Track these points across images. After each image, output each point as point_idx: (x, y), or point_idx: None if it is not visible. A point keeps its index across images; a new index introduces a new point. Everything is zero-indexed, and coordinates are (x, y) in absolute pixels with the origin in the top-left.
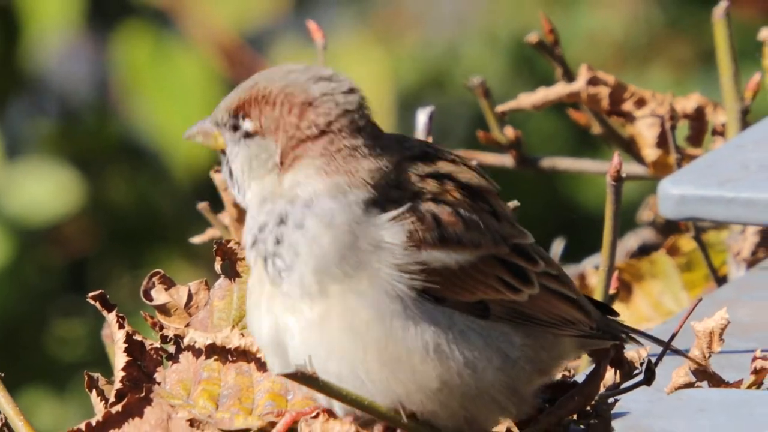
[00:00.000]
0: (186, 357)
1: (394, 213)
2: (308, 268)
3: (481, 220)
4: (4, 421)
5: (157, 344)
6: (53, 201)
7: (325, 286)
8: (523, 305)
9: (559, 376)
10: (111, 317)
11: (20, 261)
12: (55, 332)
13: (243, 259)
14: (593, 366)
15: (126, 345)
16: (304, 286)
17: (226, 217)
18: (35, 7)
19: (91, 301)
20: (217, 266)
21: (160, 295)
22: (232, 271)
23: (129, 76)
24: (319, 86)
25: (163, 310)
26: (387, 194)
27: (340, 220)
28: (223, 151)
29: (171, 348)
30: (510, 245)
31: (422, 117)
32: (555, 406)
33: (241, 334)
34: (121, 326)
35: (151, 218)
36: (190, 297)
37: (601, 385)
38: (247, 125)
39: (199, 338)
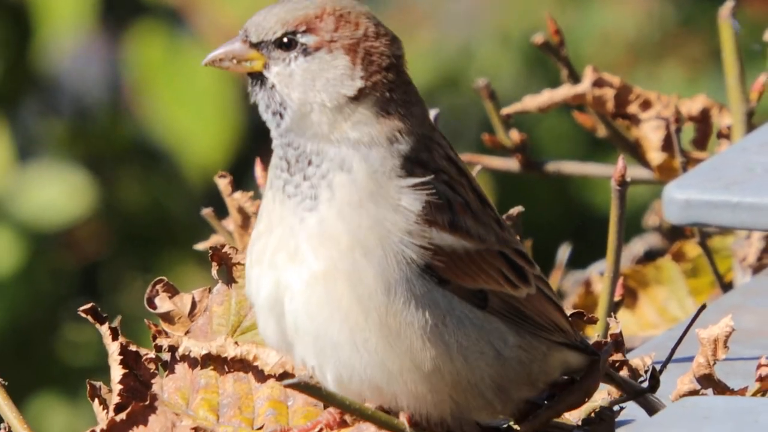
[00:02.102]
0: (182, 366)
1: (417, 180)
2: (333, 211)
3: (488, 222)
4: (7, 430)
5: (153, 354)
6: (65, 204)
7: (339, 234)
8: (521, 302)
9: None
10: (104, 330)
11: (32, 265)
12: (67, 337)
13: (239, 263)
14: (591, 362)
15: (121, 357)
16: (323, 227)
17: (231, 223)
18: (48, 7)
19: (83, 315)
20: (214, 272)
21: (163, 303)
22: (228, 277)
23: (141, 76)
24: (383, 25)
25: (167, 318)
26: (418, 155)
27: (382, 169)
28: (260, 75)
29: (167, 356)
30: (511, 248)
31: None
32: (554, 401)
33: (236, 342)
34: (114, 338)
35: (164, 221)
36: (193, 305)
37: (599, 381)
38: (307, 39)
39: (194, 348)
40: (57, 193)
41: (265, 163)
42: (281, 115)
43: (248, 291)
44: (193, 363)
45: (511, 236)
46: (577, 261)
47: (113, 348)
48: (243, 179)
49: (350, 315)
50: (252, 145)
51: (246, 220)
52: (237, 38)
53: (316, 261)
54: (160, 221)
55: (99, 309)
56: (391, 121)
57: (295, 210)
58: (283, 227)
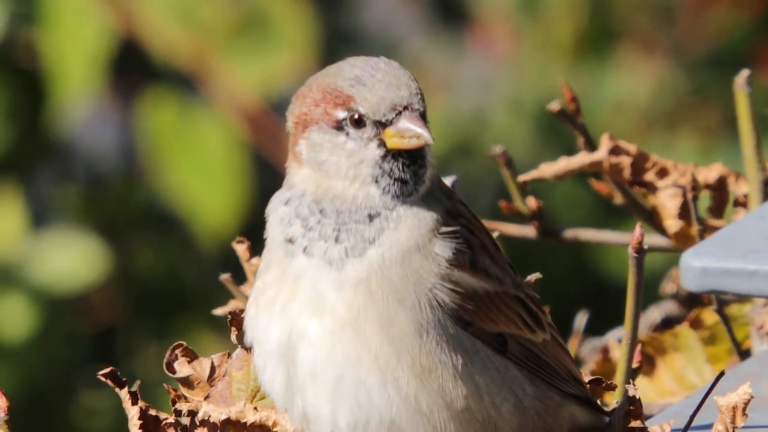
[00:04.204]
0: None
1: (449, 229)
2: (373, 262)
3: (503, 265)
4: None
5: (173, 418)
6: (80, 270)
7: (373, 283)
8: (538, 347)
9: None
10: (123, 394)
11: (47, 331)
12: (84, 403)
13: None
14: (608, 420)
15: (141, 421)
16: (357, 277)
17: (249, 288)
18: (60, 72)
19: (103, 379)
20: (233, 337)
21: (183, 368)
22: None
23: (154, 142)
24: None
25: (186, 382)
26: (453, 206)
27: (425, 223)
28: (424, 147)
29: (187, 421)
30: (525, 293)
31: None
32: None
33: (255, 408)
34: (134, 402)
35: (179, 287)
36: (213, 369)
37: None
38: None
39: (214, 413)
40: (72, 259)
41: None
42: (423, 182)
43: (252, 337)
44: (212, 428)
45: (522, 282)
46: (594, 328)
47: (133, 413)
48: (256, 244)
49: (380, 355)
50: (263, 211)
51: None
52: (414, 113)
53: (346, 310)
54: (174, 287)
55: (118, 373)
56: (438, 185)
57: (320, 262)
58: (304, 278)
